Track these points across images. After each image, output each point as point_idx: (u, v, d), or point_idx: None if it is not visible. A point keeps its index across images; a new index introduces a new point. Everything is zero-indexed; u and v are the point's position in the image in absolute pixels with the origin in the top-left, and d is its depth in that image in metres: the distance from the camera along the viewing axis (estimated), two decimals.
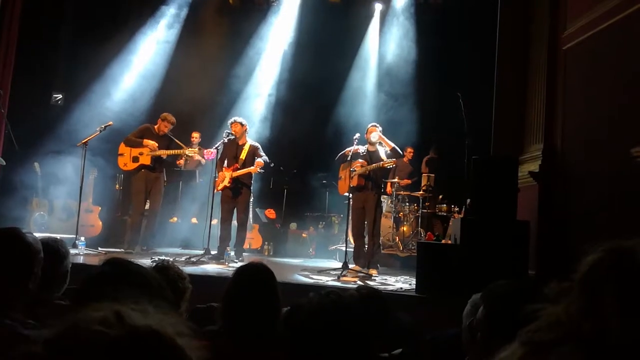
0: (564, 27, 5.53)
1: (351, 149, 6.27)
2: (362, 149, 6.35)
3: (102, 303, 0.73)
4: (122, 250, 6.74)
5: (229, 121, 6.83)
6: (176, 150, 6.91)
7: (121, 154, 6.94)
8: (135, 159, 6.86)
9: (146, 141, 6.79)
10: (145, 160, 6.82)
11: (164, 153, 6.82)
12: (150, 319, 0.70)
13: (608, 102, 4.78)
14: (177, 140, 7.01)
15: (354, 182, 6.24)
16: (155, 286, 1.50)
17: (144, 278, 1.51)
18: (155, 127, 6.99)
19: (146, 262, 4.46)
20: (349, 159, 6.23)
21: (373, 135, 6.32)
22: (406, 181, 8.84)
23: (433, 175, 8.44)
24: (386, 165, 6.09)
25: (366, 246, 6.37)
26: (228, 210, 6.70)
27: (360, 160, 6.29)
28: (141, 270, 1.56)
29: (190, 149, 7.02)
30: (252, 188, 6.91)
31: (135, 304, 0.74)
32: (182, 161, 7.65)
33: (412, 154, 9.13)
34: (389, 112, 9.15)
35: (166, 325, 0.70)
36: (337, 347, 1.48)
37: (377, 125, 6.47)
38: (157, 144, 6.79)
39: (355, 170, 6.23)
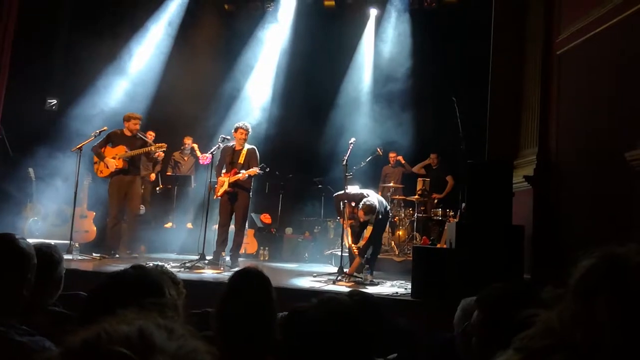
0: (558, 32, 5.56)
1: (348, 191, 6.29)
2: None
3: (128, 313, 0.71)
4: (107, 256, 6.65)
5: (237, 125, 6.73)
6: (143, 149, 6.84)
7: (96, 162, 6.92)
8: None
9: (107, 160, 6.75)
10: (118, 163, 6.79)
11: (131, 153, 6.78)
12: (174, 341, 0.69)
13: (602, 106, 4.80)
14: (147, 139, 6.97)
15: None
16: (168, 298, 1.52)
17: (158, 287, 1.53)
18: (124, 130, 6.94)
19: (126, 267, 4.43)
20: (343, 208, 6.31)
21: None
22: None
23: (428, 179, 8.46)
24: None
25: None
26: (226, 215, 6.69)
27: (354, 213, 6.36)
28: (159, 279, 1.58)
29: (157, 145, 6.91)
30: (251, 193, 6.87)
31: (163, 318, 0.72)
32: (161, 153, 7.49)
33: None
34: (384, 117, 9.17)
35: (188, 353, 0.69)
36: (338, 352, 1.48)
37: (368, 212, 6.16)
38: (120, 156, 6.74)
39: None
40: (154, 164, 8.45)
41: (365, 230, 6.34)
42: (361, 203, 6.12)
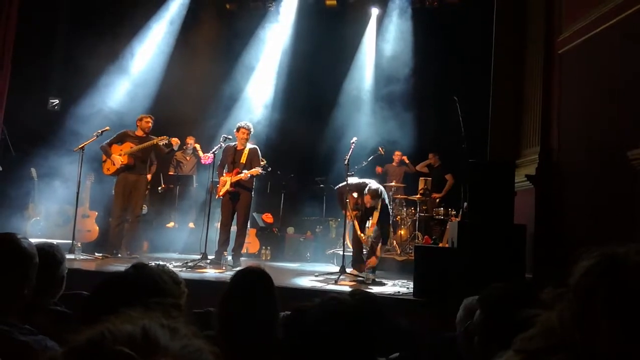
0: (559, 32, 5.55)
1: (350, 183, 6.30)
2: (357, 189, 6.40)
3: (132, 313, 0.71)
4: (110, 256, 6.66)
5: (238, 124, 6.75)
6: (148, 143, 6.86)
7: (104, 160, 6.96)
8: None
9: (113, 157, 6.80)
10: (124, 159, 6.81)
11: (136, 148, 6.81)
12: (178, 341, 0.69)
13: (603, 105, 4.80)
14: (154, 137, 6.99)
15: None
16: (169, 295, 1.52)
17: (159, 286, 1.53)
18: (137, 131, 6.98)
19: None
20: (347, 200, 6.30)
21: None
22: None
23: (430, 179, 8.45)
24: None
25: (365, 251, 6.39)
26: (228, 215, 6.69)
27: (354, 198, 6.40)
28: (160, 278, 1.57)
29: (159, 138, 6.92)
30: (253, 192, 6.87)
31: (167, 317, 0.72)
32: (176, 140, 7.44)
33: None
34: (386, 116, 9.17)
35: (192, 352, 0.69)
36: (340, 352, 1.48)
37: (375, 196, 6.23)
38: (125, 152, 6.79)
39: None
40: (163, 157, 8.46)
41: (370, 218, 6.35)
42: (366, 189, 6.22)
